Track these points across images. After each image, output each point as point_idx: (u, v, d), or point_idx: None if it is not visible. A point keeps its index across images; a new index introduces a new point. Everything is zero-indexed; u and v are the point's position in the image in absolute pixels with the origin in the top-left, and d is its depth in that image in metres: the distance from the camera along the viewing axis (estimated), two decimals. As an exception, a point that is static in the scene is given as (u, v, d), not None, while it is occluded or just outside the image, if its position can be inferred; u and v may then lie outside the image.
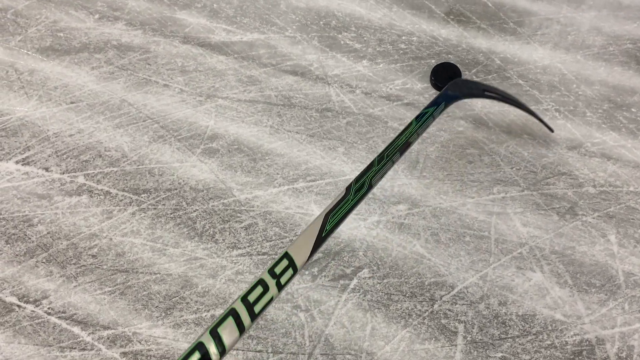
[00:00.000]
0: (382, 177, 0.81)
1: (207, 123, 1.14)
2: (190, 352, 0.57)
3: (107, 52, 1.29)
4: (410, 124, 0.87)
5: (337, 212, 0.74)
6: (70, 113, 1.17)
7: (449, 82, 1.15)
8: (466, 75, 1.18)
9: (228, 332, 0.59)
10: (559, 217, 0.96)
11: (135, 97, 1.19)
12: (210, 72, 1.23)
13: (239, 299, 0.62)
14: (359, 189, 0.78)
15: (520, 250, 0.92)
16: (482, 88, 1.04)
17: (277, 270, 0.65)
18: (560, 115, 1.11)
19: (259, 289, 0.63)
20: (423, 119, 0.89)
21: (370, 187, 0.79)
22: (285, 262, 0.66)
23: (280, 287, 0.64)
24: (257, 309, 0.62)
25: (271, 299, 0.64)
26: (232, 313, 0.60)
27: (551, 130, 1.08)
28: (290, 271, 0.66)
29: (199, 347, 0.57)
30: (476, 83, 1.07)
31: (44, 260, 0.94)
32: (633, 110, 1.11)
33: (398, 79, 1.20)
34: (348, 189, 0.77)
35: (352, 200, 0.76)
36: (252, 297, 0.62)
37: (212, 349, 0.57)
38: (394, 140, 0.84)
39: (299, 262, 0.67)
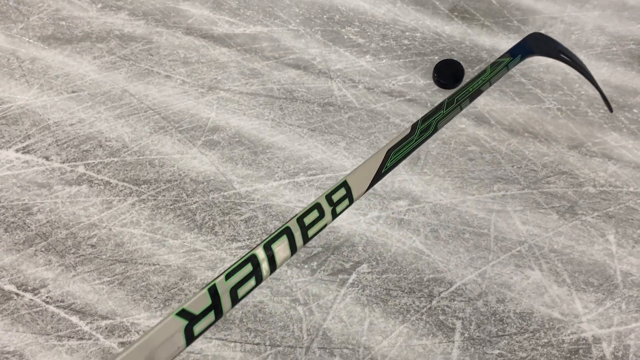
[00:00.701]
0: (448, 121, 0.78)
1: (209, 115, 1.13)
2: (243, 263, 0.56)
3: (109, 41, 1.29)
4: (485, 70, 0.84)
5: (400, 150, 0.71)
6: (71, 102, 1.17)
7: (452, 78, 1.15)
8: (469, 72, 1.18)
9: (281, 250, 0.58)
10: (559, 216, 0.96)
11: (137, 88, 1.19)
12: (212, 64, 1.23)
13: (295, 219, 0.60)
14: (424, 129, 0.74)
15: (520, 248, 0.92)
16: (559, 49, 1.00)
17: (335, 197, 0.63)
18: (562, 115, 1.11)
19: (315, 213, 0.61)
20: (498, 68, 0.85)
21: (436, 129, 0.76)
22: (342, 191, 0.64)
23: (334, 215, 0.62)
24: (310, 233, 0.60)
25: (324, 226, 0.61)
26: (287, 232, 0.58)
27: (610, 109, 1.08)
28: (346, 201, 0.63)
29: (252, 259, 0.56)
30: (555, 42, 1.01)
31: (43, 249, 0.94)
32: (635, 111, 1.11)
33: (401, 75, 1.20)
34: (414, 127, 0.74)
35: (416, 140, 0.73)
36: (307, 220, 0.60)
37: (264, 265, 0.56)
38: (465, 86, 0.81)
39: (355, 193, 0.65)
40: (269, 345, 0.83)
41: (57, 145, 1.09)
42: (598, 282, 0.88)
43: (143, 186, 1.02)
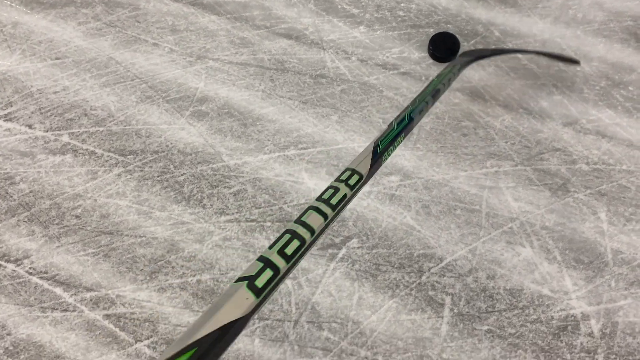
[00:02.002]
0: (420, 112, 0.82)
1: (197, 85, 1.10)
2: (280, 236, 0.59)
3: (94, 7, 1.24)
4: (431, 82, 0.87)
5: (385, 139, 0.75)
6: (55, 69, 1.13)
7: (447, 52, 1.12)
8: (464, 46, 1.16)
9: (314, 219, 0.61)
10: (551, 193, 0.95)
11: (124, 56, 1.15)
12: (201, 32, 1.19)
13: (315, 199, 0.65)
14: (400, 122, 0.78)
15: (511, 225, 0.92)
16: (490, 51, 1.05)
17: (343, 177, 0.68)
18: (557, 91, 1.09)
19: (330, 191, 0.65)
20: (444, 78, 0.88)
21: (411, 119, 0.79)
22: (348, 172, 0.69)
23: (350, 186, 0.67)
24: (334, 201, 0.65)
25: (345, 195, 0.66)
26: (312, 208, 0.62)
27: (577, 62, 1.08)
28: (355, 176, 0.68)
29: (287, 230, 0.59)
30: (483, 49, 1.06)
31: (26, 219, 0.92)
32: (630, 88, 1.10)
33: (395, 47, 1.17)
34: (390, 125, 0.78)
35: (396, 129, 0.77)
36: (325, 195, 0.65)
37: (301, 229, 0.60)
38: (417, 97, 0.84)
39: (363, 171, 0.69)
40: (257, 319, 0.82)
41: (41, 113, 1.06)
42: (588, 260, 0.88)
43: (129, 157, 1.00)
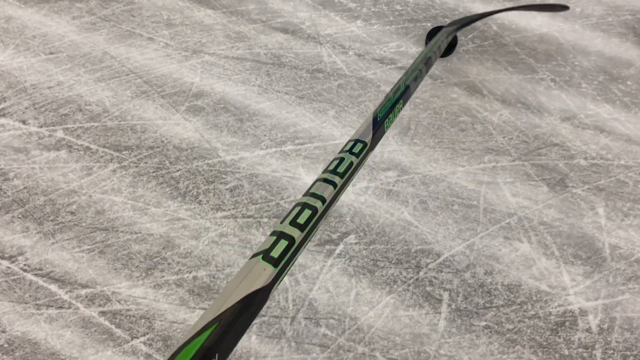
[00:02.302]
0: (415, 80, 0.84)
1: (193, 80, 1.09)
2: (293, 208, 0.60)
3: (89, 1, 1.23)
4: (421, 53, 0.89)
5: (383, 108, 0.76)
6: (49, 64, 1.12)
7: (446, 47, 1.12)
8: (462, 41, 1.15)
9: (322, 189, 0.63)
10: (549, 189, 0.95)
11: (118, 50, 1.14)
12: (197, 26, 1.18)
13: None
14: (396, 91, 0.80)
15: (509, 220, 0.91)
16: (462, 23, 1.07)
17: (346, 148, 0.70)
18: (555, 86, 1.09)
19: (335, 162, 0.67)
20: (432, 50, 0.91)
21: (407, 87, 0.81)
22: (350, 143, 0.70)
23: (356, 154, 0.69)
24: (341, 169, 0.67)
25: (352, 162, 0.68)
26: (320, 180, 0.65)
27: (566, 7, 1.07)
28: (359, 144, 0.70)
29: (298, 203, 0.60)
30: (452, 22, 1.07)
31: (20, 216, 0.91)
32: (628, 83, 1.09)
33: (392, 42, 1.16)
34: (386, 96, 0.79)
35: (393, 98, 0.78)
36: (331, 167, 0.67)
37: (313, 200, 0.62)
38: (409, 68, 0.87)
39: (366, 139, 0.71)
40: (254, 316, 0.81)
41: (35, 108, 1.05)
42: (586, 255, 0.88)
43: (124, 152, 0.99)
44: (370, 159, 0.98)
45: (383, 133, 0.75)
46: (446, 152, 0.99)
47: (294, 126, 1.03)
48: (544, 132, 1.02)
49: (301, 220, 0.58)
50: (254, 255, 0.53)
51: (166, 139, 1.01)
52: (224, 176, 0.96)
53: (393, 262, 0.87)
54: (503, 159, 0.98)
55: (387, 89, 1.08)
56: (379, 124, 0.73)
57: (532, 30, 1.17)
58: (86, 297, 0.83)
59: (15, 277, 0.85)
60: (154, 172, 0.96)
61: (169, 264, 0.86)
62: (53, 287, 0.84)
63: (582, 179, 0.96)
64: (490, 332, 0.80)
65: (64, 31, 1.17)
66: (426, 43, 1.14)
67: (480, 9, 1.22)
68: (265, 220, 0.91)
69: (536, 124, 1.03)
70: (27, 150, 0.99)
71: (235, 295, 0.48)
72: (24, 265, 0.86)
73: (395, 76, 1.10)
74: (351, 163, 0.67)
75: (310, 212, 0.59)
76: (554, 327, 0.81)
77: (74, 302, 0.82)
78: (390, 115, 0.77)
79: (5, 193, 0.94)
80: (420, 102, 1.06)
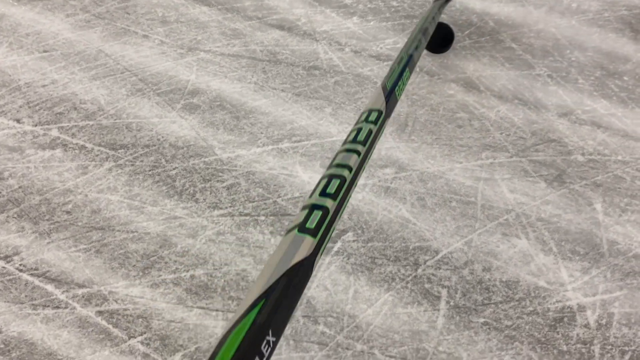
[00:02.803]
0: (417, 49, 0.85)
1: (188, 77, 1.09)
2: (318, 184, 0.59)
3: (82, -2, 1.22)
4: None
5: (391, 77, 0.76)
6: (43, 62, 1.11)
7: (442, 42, 1.11)
8: (459, 37, 1.15)
9: (346, 159, 0.63)
10: (547, 185, 0.94)
11: (113, 48, 1.13)
12: (192, 23, 1.18)
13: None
14: (400, 61, 0.81)
15: (507, 216, 0.91)
16: None
17: (362, 118, 0.69)
18: (552, 81, 1.09)
19: (353, 132, 0.67)
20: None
21: (411, 56, 0.81)
22: (365, 113, 0.70)
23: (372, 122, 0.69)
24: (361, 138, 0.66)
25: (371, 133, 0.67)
26: (342, 151, 0.64)
27: None
28: (374, 113, 0.70)
29: (325, 177, 0.60)
30: None
31: (15, 216, 0.90)
32: (625, 78, 1.09)
33: (389, 38, 1.16)
34: (391, 67, 0.80)
35: (399, 68, 0.78)
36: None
37: (342, 169, 0.62)
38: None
39: (381, 108, 0.71)
40: (252, 314, 0.81)
41: (29, 107, 1.04)
42: (584, 251, 0.88)
43: (120, 151, 0.98)
44: (367, 156, 0.98)
45: (396, 101, 0.75)
46: (444, 149, 0.99)
47: (291, 123, 1.02)
48: (541, 128, 1.02)
49: (331, 190, 0.57)
50: (288, 231, 0.53)
51: (162, 137, 1.00)
52: (220, 174, 0.95)
53: (391, 259, 0.86)
54: (500, 155, 0.98)
55: (384, 85, 1.08)
56: (390, 92, 0.73)
57: (529, 26, 1.17)
58: (83, 296, 0.82)
59: (11, 277, 0.84)
60: (150, 170, 0.96)
61: (166, 262, 0.86)
62: (49, 287, 0.83)
63: (579, 175, 0.96)
64: (489, 328, 0.80)
65: (58, 29, 1.16)
66: (423, 39, 1.13)
67: (476, 4, 1.22)
68: (263, 218, 0.90)
69: (533, 120, 1.03)
70: (21, 150, 0.98)
71: (278, 269, 0.47)
72: (20, 265, 0.85)
73: (392, 73, 1.10)
74: (370, 131, 0.66)
75: (339, 181, 0.58)
76: (553, 323, 0.81)
77: (70, 302, 0.82)
78: (400, 83, 0.76)
79: (0, 193, 0.93)
80: (417, 99, 1.06)
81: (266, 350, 0.42)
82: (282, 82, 1.08)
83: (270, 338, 0.43)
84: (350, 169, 0.60)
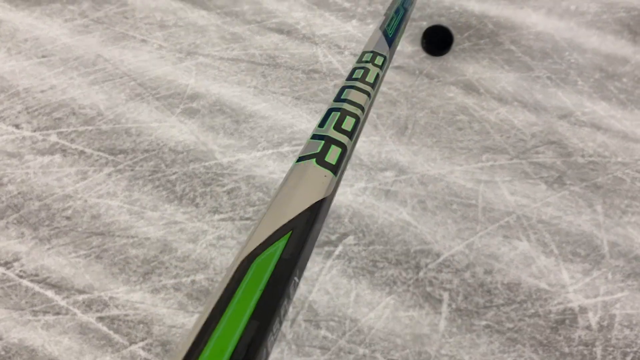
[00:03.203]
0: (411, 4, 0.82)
1: (188, 82, 1.09)
2: (328, 116, 0.55)
3: (81, 3, 1.22)
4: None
5: (391, 24, 0.73)
6: (41, 67, 1.11)
7: (441, 45, 1.12)
8: (458, 39, 1.15)
9: (357, 97, 0.59)
10: (547, 187, 0.94)
11: (112, 53, 1.13)
12: (191, 27, 1.17)
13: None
14: (397, 11, 0.77)
15: (507, 219, 0.91)
16: None
17: (366, 58, 0.65)
18: (551, 83, 1.09)
19: (359, 71, 0.62)
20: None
21: (405, 10, 0.79)
22: (368, 54, 0.65)
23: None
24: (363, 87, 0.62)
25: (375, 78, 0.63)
26: (350, 87, 0.60)
27: None
28: (379, 57, 0.66)
29: (335, 110, 0.55)
30: None
31: (15, 222, 0.90)
32: (624, 80, 1.09)
33: (387, 41, 1.16)
34: (386, 15, 0.76)
35: (397, 18, 0.75)
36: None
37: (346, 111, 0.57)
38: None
39: (384, 52, 0.67)
40: (253, 319, 0.81)
41: (28, 112, 1.03)
42: (585, 253, 0.88)
43: (119, 156, 0.98)
44: (367, 159, 0.98)
45: (396, 48, 0.71)
46: (444, 152, 0.99)
47: (291, 127, 1.02)
48: (541, 130, 1.02)
49: (347, 127, 0.52)
50: (302, 159, 0.47)
51: (162, 141, 1.00)
52: (220, 178, 0.95)
53: (392, 262, 0.86)
54: (501, 158, 0.98)
55: (383, 88, 1.08)
56: (392, 40, 0.70)
57: (528, 29, 1.17)
58: (83, 302, 0.82)
59: (11, 283, 0.84)
60: (149, 175, 0.95)
61: (166, 268, 0.85)
62: (50, 293, 0.83)
63: (579, 177, 0.96)
64: (491, 331, 0.80)
65: (56, 34, 1.16)
66: (422, 42, 1.13)
67: (475, 6, 1.22)
68: (263, 222, 0.90)
69: (533, 122, 1.03)
70: (20, 155, 0.98)
71: (302, 202, 0.41)
72: (20, 271, 0.85)
73: (392, 75, 1.10)
74: (378, 75, 0.61)
75: (354, 120, 0.53)
76: (554, 325, 0.81)
77: (71, 308, 0.81)
78: (399, 32, 0.73)
79: (-1, 198, 0.93)
80: (417, 102, 1.06)
81: (292, 294, 0.37)
82: (281, 86, 1.08)
83: (296, 279, 0.38)
84: (362, 109, 0.56)
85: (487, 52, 1.13)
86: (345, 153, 0.49)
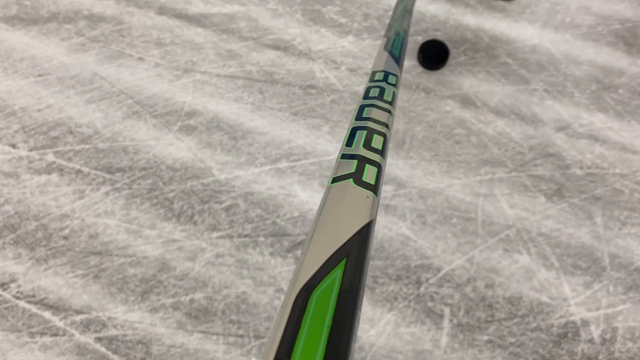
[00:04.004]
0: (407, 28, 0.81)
1: (185, 99, 1.09)
2: (354, 135, 0.53)
3: (77, 22, 1.22)
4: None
5: (395, 45, 0.72)
6: (38, 86, 1.11)
7: (437, 59, 1.12)
8: (454, 53, 1.15)
9: (380, 115, 0.58)
10: (546, 199, 0.94)
11: (108, 71, 1.13)
12: (187, 45, 1.18)
13: None
14: (396, 36, 0.76)
15: (507, 232, 0.91)
16: None
17: (378, 77, 0.64)
18: (548, 96, 1.09)
19: (376, 90, 0.62)
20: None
21: (405, 31, 0.78)
22: (380, 74, 0.65)
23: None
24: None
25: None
26: (370, 106, 0.59)
27: None
28: (392, 76, 0.65)
29: (360, 128, 0.53)
30: None
31: (12, 242, 0.89)
32: (620, 91, 1.10)
33: (384, 56, 1.16)
34: (386, 37, 0.76)
35: (400, 38, 0.74)
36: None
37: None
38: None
39: (396, 72, 0.67)
40: (253, 337, 0.80)
41: (24, 132, 1.03)
42: (586, 265, 0.87)
43: (117, 174, 0.97)
44: (366, 174, 0.97)
45: (402, 70, 0.73)
46: (442, 165, 0.99)
47: (288, 143, 1.02)
48: (539, 142, 1.02)
49: (377, 145, 0.49)
50: (337, 180, 0.45)
51: (159, 159, 0.99)
52: (218, 195, 0.95)
53: (393, 278, 0.86)
54: (499, 171, 0.98)
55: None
56: (398, 59, 0.70)
57: (524, 42, 1.18)
58: (81, 323, 0.81)
59: (8, 304, 0.83)
60: (147, 193, 0.95)
61: (165, 286, 0.84)
62: (47, 314, 0.82)
63: (578, 189, 0.96)
64: (493, 346, 0.79)
65: (53, 53, 1.16)
66: (418, 57, 1.14)
67: (471, 20, 1.22)
68: (262, 239, 0.90)
69: (531, 135, 1.03)
70: (17, 175, 0.97)
71: (351, 226, 0.39)
72: (17, 292, 0.84)
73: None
74: (394, 93, 0.60)
75: (382, 138, 0.51)
76: (557, 339, 0.80)
77: (68, 328, 0.80)
78: (403, 52, 0.74)
79: (-5, 219, 0.92)
80: (415, 116, 1.06)
81: (358, 320, 0.35)
82: (278, 102, 1.08)
83: (359, 307, 0.35)
84: (387, 127, 0.54)
85: (484, 66, 1.14)
86: (381, 172, 0.47)
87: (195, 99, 1.08)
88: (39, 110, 1.07)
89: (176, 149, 1.01)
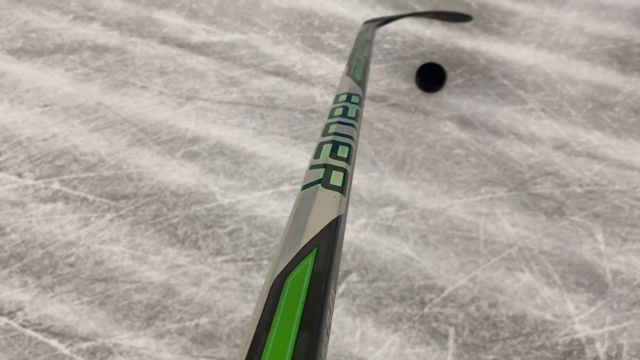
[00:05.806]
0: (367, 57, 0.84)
1: (188, 126, 1.10)
2: (321, 149, 0.55)
3: (82, 53, 1.25)
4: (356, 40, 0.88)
5: (356, 68, 0.74)
6: (43, 116, 1.13)
7: (435, 82, 1.14)
8: (451, 75, 1.17)
9: (344, 129, 0.60)
10: (547, 217, 0.95)
11: (112, 100, 1.15)
12: (190, 73, 1.20)
13: None
14: (358, 60, 0.79)
15: (509, 251, 0.91)
16: (386, 19, 1.07)
17: (342, 99, 0.66)
18: (545, 115, 1.11)
19: (339, 109, 0.64)
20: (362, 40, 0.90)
21: (365, 58, 0.81)
22: (343, 95, 0.68)
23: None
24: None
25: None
26: (333, 123, 0.61)
27: (469, 17, 1.11)
28: (355, 96, 0.68)
29: (326, 142, 0.55)
30: (380, 18, 1.09)
31: (18, 270, 0.90)
32: (616, 109, 1.11)
33: (383, 80, 1.18)
34: (349, 65, 0.78)
35: (360, 65, 0.77)
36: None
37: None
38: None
39: (359, 93, 0.69)
40: None
41: (30, 161, 1.05)
42: (589, 282, 0.88)
43: (121, 201, 0.99)
44: (367, 195, 0.98)
45: (365, 90, 0.75)
46: (443, 186, 1.00)
47: (290, 166, 1.03)
48: (537, 161, 1.03)
49: (342, 154, 0.53)
50: (306, 187, 0.48)
51: (163, 185, 1.01)
52: (222, 220, 0.96)
53: (397, 299, 0.86)
54: (499, 190, 0.99)
55: (380, 125, 1.10)
56: (361, 81, 0.73)
57: (520, 62, 1.20)
58: (87, 350, 0.81)
59: (14, 333, 0.83)
60: (152, 219, 0.96)
61: (170, 312, 0.85)
62: (53, 342, 0.82)
63: (578, 206, 0.97)
64: (499, 366, 0.79)
65: (58, 83, 1.19)
66: (415, 79, 1.16)
67: (467, 43, 1.25)
68: (266, 262, 0.90)
69: (529, 154, 1.04)
70: (23, 204, 0.98)
71: (320, 222, 0.42)
72: (23, 320, 0.84)
73: (388, 112, 1.12)
74: (357, 111, 0.63)
75: (347, 148, 0.54)
76: (562, 358, 0.80)
77: (75, 356, 0.81)
78: (366, 74, 0.76)
79: (2, 248, 0.93)
80: (414, 137, 1.08)
81: (332, 306, 0.37)
82: (280, 127, 1.10)
83: (333, 292, 0.38)
84: (352, 139, 0.57)
85: (481, 87, 1.16)
86: (347, 175, 0.50)
87: (198, 126, 1.10)
88: (44, 139, 1.09)
89: (180, 175, 1.02)
